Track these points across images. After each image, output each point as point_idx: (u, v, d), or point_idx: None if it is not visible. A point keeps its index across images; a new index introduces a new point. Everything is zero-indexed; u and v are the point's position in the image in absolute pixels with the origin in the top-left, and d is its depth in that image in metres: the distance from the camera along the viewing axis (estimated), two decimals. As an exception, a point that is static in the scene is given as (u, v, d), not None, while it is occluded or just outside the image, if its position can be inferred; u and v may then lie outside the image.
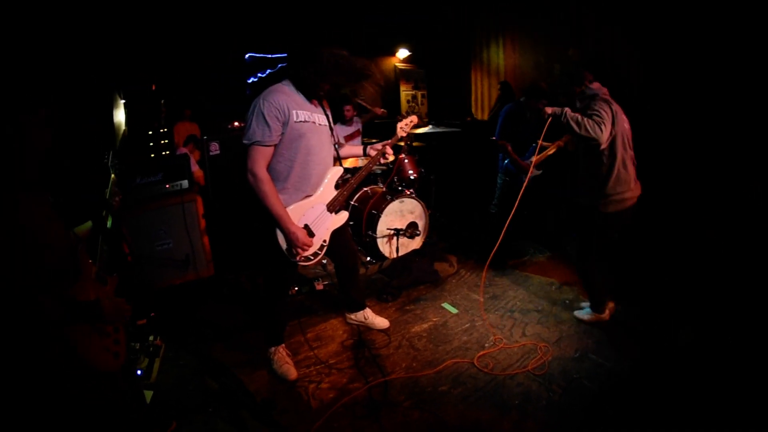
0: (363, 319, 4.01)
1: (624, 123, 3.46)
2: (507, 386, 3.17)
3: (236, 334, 4.02)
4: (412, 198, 5.29)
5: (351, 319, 4.07)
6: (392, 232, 5.06)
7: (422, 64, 10.57)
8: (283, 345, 3.54)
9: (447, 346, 3.70)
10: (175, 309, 4.42)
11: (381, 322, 4.02)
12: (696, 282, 4.33)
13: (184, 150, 6.65)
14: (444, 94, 10.33)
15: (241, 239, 5.01)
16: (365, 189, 5.57)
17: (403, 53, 10.13)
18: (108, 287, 2.24)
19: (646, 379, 3.18)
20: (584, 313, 3.96)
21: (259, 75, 9.39)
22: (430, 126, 6.11)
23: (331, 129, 3.26)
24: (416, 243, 5.42)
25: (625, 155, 3.45)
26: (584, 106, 3.44)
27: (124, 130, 6.00)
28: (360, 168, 3.61)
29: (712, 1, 4.96)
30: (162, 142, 5.60)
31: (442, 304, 4.38)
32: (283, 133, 2.94)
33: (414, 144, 7.41)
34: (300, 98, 3.04)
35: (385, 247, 5.20)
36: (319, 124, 3.11)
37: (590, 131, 3.24)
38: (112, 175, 2.62)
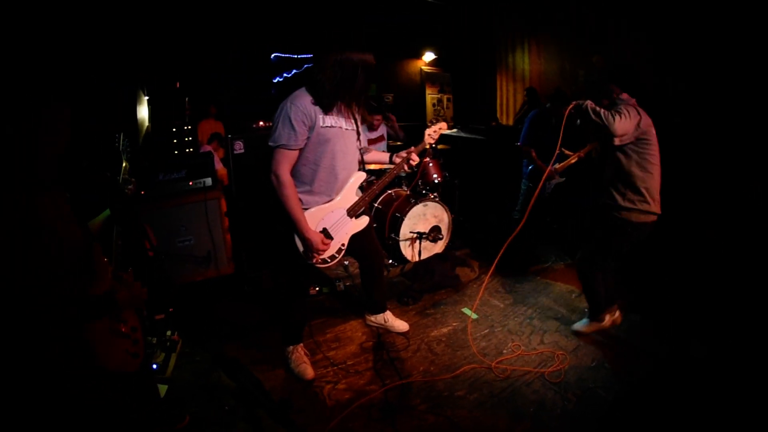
0: (383, 322, 4.02)
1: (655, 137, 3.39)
2: (523, 393, 3.17)
3: (254, 332, 4.06)
4: (436, 202, 5.30)
5: (371, 321, 4.09)
6: (415, 235, 5.09)
7: (448, 67, 10.57)
8: (301, 344, 3.56)
9: (465, 351, 3.71)
10: (193, 305, 4.47)
11: (401, 325, 4.03)
12: (702, 288, 4.30)
13: (208, 148, 6.72)
14: (469, 98, 10.32)
15: (262, 238, 5.04)
16: (389, 192, 5.59)
17: (429, 56, 10.14)
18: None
19: (660, 391, 3.16)
20: (581, 324, 3.91)
21: (285, 75, 9.48)
22: (456, 130, 6.12)
23: (358, 134, 3.25)
24: (438, 247, 5.43)
25: (657, 168, 3.39)
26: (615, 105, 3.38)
27: (148, 127, 6.08)
28: (383, 172, 3.63)
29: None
30: (186, 139, 5.66)
31: (462, 309, 4.39)
32: (309, 137, 2.94)
33: (439, 147, 7.42)
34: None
35: (408, 250, 5.22)
36: (346, 129, 3.10)
37: (603, 119, 3.21)
38: (124, 162, 2.61)
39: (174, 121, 5.98)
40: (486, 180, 7.43)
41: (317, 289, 4.76)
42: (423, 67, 10.37)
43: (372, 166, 5.46)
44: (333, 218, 3.18)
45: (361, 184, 3.33)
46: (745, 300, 4.03)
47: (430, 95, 10.49)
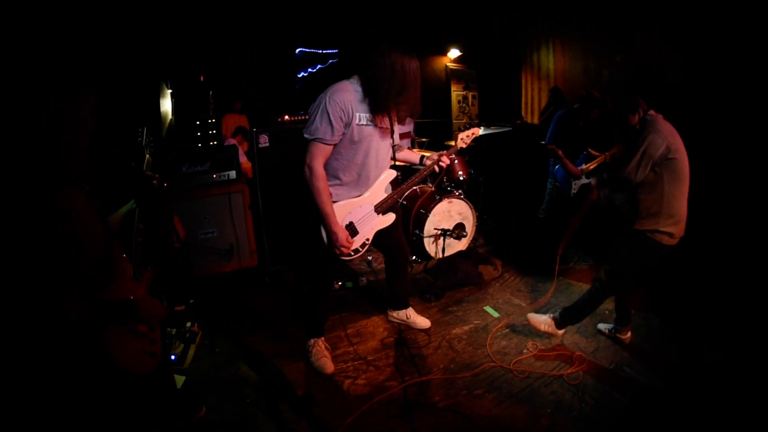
0: (405, 318, 4.05)
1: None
2: (541, 394, 3.19)
3: (275, 325, 4.11)
4: (461, 199, 5.32)
5: (393, 316, 4.12)
6: (439, 232, 5.11)
7: (473, 64, 10.49)
8: (323, 338, 3.60)
9: (486, 349, 3.73)
10: (214, 297, 4.56)
11: (422, 321, 4.06)
12: (713, 290, 4.25)
13: (232, 141, 6.74)
14: (494, 95, 10.24)
15: (285, 232, 5.07)
16: (414, 188, 5.60)
17: (454, 53, 10.09)
18: (143, 282, 2.25)
19: (677, 397, 3.13)
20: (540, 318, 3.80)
21: (310, 70, 9.53)
22: (481, 128, 6.11)
23: (392, 132, 3.25)
24: (462, 244, 5.44)
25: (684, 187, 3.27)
26: (641, 130, 3.24)
27: (171, 119, 6.16)
28: (411, 169, 3.65)
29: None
30: (210, 132, 5.73)
31: (484, 307, 4.41)
32: (344, 133, 2.96)
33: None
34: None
35: (431, 247, 5.25)
36: (381, 127, 3.10)
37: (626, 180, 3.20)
38: (147, 156, 2.60)
39: (198, 114, 6.06)
40: (511, 178, 7.41)
41: (340, 283, 4.80)
42: (448, 64, 10.32)
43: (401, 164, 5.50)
44: (360, 213, 3.22)
45: (391, 181, 3.36)
46: (748, 301, 3.99)
47: (456, 92, 10.44)
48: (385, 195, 3.32)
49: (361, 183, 3.17)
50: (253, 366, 3.54)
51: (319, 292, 3.49)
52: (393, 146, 3.36)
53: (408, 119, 6.65)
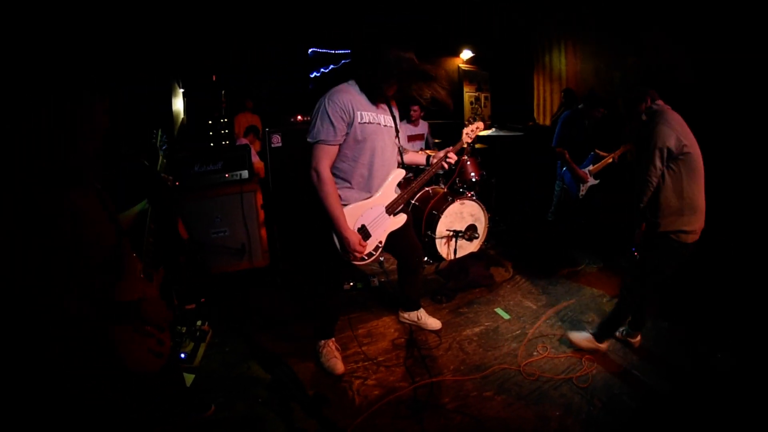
0: (416, 319, 4.06)
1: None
2: (550, 396, 3.19)
3: (285, 325, 4.14)
4: (473, 201, 5.33)
5: (404, 317, 4.13)
6: (451, 233, 5.13)
7: (486, 66, 10.50)
8: (333, 339, 3.61)
9: (496, 351, 3.74)
10: (225, 296, 4.58)
11: (433, 322, 4.06)
12: (722, 293, 4.23)
13: (244, 141, 6.76)
14: (507, 97, 10.25)
15: (297, 232, 5.09)
16: (426, 189, 5.64)
17: (466, 54, 10.09)
18: (153, 283, 2.27)
19: (686, 401, 3.13)
20: (581, 336, 3.73)
21: (322, 70, 9.56)
22: (493, 129, 6.11)
23: (396, 131, 3.26)
24: (474, 246, 5.46)
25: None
26: (648, 122, 3.22)
27: (183, 119, 6.19)
28: (421, 169, 3.66)
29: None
30: (222, 131, 5.75)
31: (495, 309, 4.41)
32: (347, 133, 2.95)
33: (476, 146, 7.42)
34: (365, 99, 3.02)
35: (443, 248, 5.27)
36: (384, 125, 3.11)
37: (647, 189, 3.17)
38: (161, 157, 2.61)
39: (210, 113, 6.09)
40: (515, 178, 7.42)
41: (351, 284, 4.82)
42: (461, 65, 10.34)
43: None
44: (372, 215, 3.20)
45: (400, 181, 3.34)
46: (759, 305, 3.97)
47: (468, 93, 10.46)
48: (396, 195, 3.30)
49: (370, 183, 3.15)
50: (263, 365, 3.56)
51: (329, 292, 3.50)
52: (399, 147, 3.37)
53: (420, 121, 6.70)
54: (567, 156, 5.10)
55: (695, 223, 3.18)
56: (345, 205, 3.06)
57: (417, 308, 4.07)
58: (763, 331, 3.72)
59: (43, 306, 1.77)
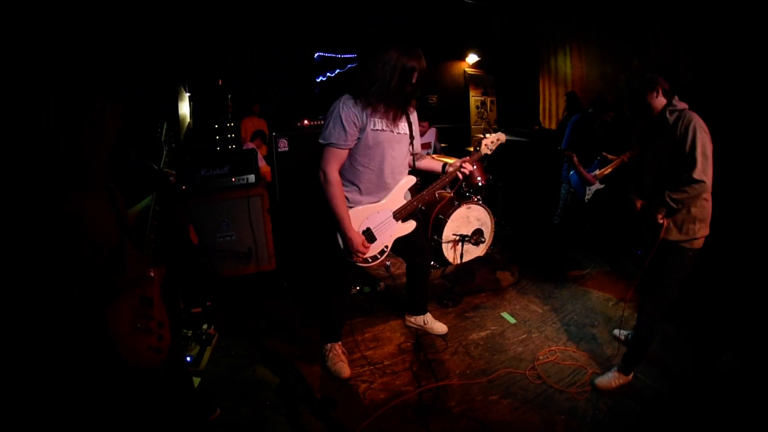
0: (422, 324, 4.06)
1: None
2: (555, 400, 3.20)
3: (293, 328, 4.15)
4: (480, 205, 5.32)
5: (410, 322, 4.13)
6: (457, 237, 5.12)
7: (492, 70, 10.51)
8: (339, 343, 3.63)
9: (502, 355, 3.75)
10: (232, 300, 4.59)
11: (440, 327, 4.06)
12: (726, 296, 4.16)
13: (250, 145, 6.76)
14: (512, 101, 10.24)
15: (304, 236, 5.09)
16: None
17: (472, 58, 10.11)
18: (155, 282, 2.26)
19: (691, 405, 3.13)
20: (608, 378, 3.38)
21: (328, 74, 9.58)
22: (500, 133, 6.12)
23: (411, 138, 3.25)
24: (480, 250, 5.45)
25: None
26: (680, 124, 2.95)
27: (189, 123, 6.19)
28: (430, 175, 3.65)
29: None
30: (228, 136, 5.76)
31: (501, 314, 4.41)
32: (359, 139, 2.98)
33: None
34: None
35: (449, 253, 5.26)
36: (398, 133, 3.12)
37: (690, 192, 2.90)
38: (165, 154, 2.56)
39: (216, 117, 6.10)
40: (515, 179, 7.41)
41: (358, 288, 4.82)
42: (467, 69, 10.36)
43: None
44: (378, 219, 3.21)
45: (411, 188, 3.36)
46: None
47: (474, 97, 10.46)
48: (405, 201, 3.30)
49: (379, 189, 3.17)
50: (269, 369, 3.56)
51: (336, 296, 3.52)
52: (413, 154, 3.37)
53: (427, 131, 6.71)
54: (575, 159, 5.10)
55: (708, 227, 3.06)
56: (351, 207, 3.09)
57: (424, 312, 4.07)
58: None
59: (43, 306, 1.78)
